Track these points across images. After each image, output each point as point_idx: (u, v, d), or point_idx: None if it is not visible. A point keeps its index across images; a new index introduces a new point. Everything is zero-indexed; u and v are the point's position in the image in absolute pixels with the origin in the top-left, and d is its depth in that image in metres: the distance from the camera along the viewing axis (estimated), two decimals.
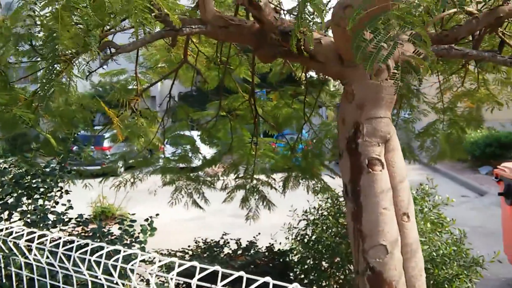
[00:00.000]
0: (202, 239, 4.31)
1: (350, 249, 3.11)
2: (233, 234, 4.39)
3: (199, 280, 1.18)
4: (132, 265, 1.30)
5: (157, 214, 2.96)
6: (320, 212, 3.51)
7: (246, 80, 4.49)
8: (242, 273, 1.19)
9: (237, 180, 4.65)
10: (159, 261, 1.33)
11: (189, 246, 4.16)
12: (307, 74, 4.02)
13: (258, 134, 4.54)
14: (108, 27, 2.76)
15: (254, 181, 4.69)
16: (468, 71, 4.20)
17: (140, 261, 1.43)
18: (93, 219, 4.24)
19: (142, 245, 2.59)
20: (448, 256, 2.99)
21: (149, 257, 1.47)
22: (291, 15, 3.23)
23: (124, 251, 1.38)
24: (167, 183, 4.60)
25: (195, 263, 1.25)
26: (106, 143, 11.51)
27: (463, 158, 4.39)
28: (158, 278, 3.95)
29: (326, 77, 4.41)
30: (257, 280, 1.16)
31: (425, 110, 4.29)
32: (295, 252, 3.43)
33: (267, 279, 1.15)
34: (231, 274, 1.19)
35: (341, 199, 3.80)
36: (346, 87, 2.68)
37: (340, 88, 4.58)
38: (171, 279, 1.23)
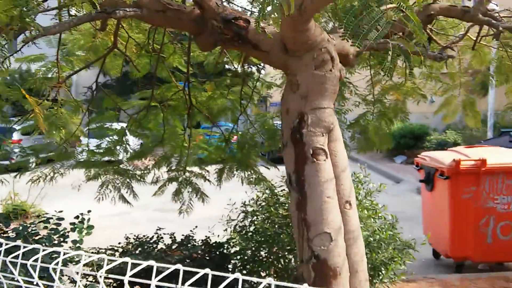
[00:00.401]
0: (133, 235, 4.11)
1: (289, 239, 3.14)
2: (163, 229, 4.24)
3: (133, 277, 1.11)
4: (55, 264, 1.20)
5: (89, 211, 2.76)
6: (258, 203, 3.50)
7: (179, 69, 4.34)
8: (179, 266, 1.14)
9: (169, 173, 4.50)
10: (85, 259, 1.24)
11: (119, 243, 3.95)
12: (244, 65, 3.97)
13: (192, 126, 4.42)
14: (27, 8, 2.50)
15: (187, 174, 4.58)
16: (396, 65, 4.40)
17: (71, 261, 1.31)
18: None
19: (78, 244, 2.40)
20: (384, 241, 3.14)
21: (75, 256, 1.36)
22: (230, 3, 3.17)
23: (45, 250, 1.26)
24: (91, 177, 4.34)
25: (127, 259, 1.17)
26: (15, 136, 10.64)
27: (390, 148, 4.59)
28: (86, 279, 3.73)
29: (261, 68, 4.42)
30: (195, 273, 1.11)
31: (356, 101, 4.44)
32: (233, 243, 3.39)
33: (207, 270, 1.11)
34: (167, 269, 1.13)
35: (279, 189, 3.83)
36: (290, 77, 2.68)
37: (276, 80, 4.62)
38: (100, 277, 1.14)
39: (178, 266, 1.13)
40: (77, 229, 2.38)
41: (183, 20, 2.83)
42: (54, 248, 1.36)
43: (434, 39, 4.08)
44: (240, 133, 4.53)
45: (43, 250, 1.28)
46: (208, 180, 4.49)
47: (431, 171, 5.43)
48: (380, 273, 3.09)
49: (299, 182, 2.58)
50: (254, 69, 4.11)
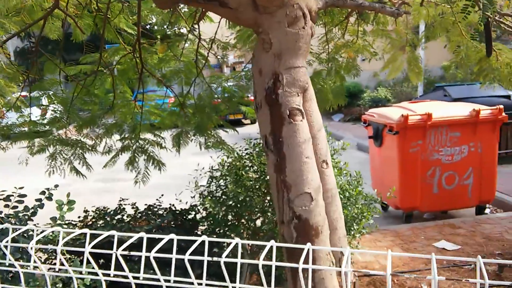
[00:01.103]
0: (93, 207, 3.90)
1: (261, 201, 3.11)
2: (105, 201, 4.08)
3: (95, 248, 1.07)
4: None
5: (56, 185, 2.54)
6: (227, 167, 3.41)
7: (126, 31, 4.04)
8: (142, 234, 1.09)
9: (123, 141, 4.28)
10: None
11: (78, 217, 3.73)
12: (199, 24, 3.77)
13: (143, 90, 4.18)
14: None
15: (141, 142, 4.38)
16: (349, 23, 4.41)
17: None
18: None
19: (59, 221, 2.20)
20: (354, 197, 3.21)
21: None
22: None
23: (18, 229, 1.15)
24: (36, 151, 4.02)
25: (85, 230, 1.10)
26: None
27: (343, 104, 4.64)
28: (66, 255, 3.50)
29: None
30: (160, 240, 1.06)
31: (310, 60, 4.41)
32: (202, 209, 3.31)
33: (172, 235, 1.08)
34: (131, 237, 1.08)
35: (243, 152, 3.76)
36: (262, 36, 2.56)
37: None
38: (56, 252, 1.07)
39: (142, 234, 1.08)
40: (57, 205, 2.18)
41: None
42: (29, 226, 1.24)
43: None
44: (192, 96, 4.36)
45: (15, 230, 1.17)
46: (165, 147, 4.33)
47: (380, 127, 5.61)
48: (351, 228, 3.18)
49: (276, 144, 2.52)
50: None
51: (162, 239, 1.07)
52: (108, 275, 1.08)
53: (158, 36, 3.99)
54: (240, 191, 3.06)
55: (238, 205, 3.13)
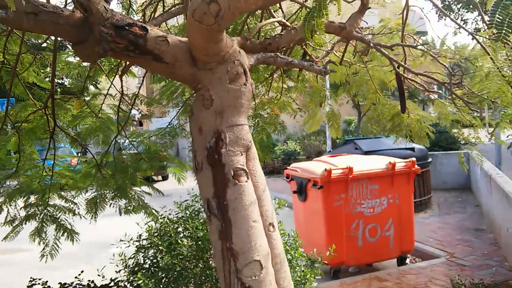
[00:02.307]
0: None
1: (201, 272, 2.80)
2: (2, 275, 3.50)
3: None
4: None
5: None
6: (158, 234, 3.07)
7: (38, 85, 3.65)
8: None
9: (28, 209, 3.76)
10: None
11: None
12: (122, 79, 3.51)
13: (55, 150, 3.75)
14: None
15: (50, 209, 3.89)
16: (274, 80, 4.45)
17: None
18: None
19: None
20: (296, 259, 3.04)
21: None
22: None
23: None
24: None
25: None
26: None
27: (270, 160, 4.58)
28: None
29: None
30: None
31: None
32: (129, 285, 2.90)
33: None
34: None
35: (171, 216, 3.45)
36: (201, 92, 2.38)
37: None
38: None
39: None
40: None
41: (60, 25, 2.32)
42: None
43: (310, 54, 4.22)
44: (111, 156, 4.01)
45: None
46: (78, 214, 3.88)
47: (303, 181, 5.62)
48: None
49: (221, 208, 2.31)
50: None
51: None
52: None
53: (75, 91, 3.65)
54: (176, 261, 2.74)
55: (172, 278, 2.79)
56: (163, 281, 2.79)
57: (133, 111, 4.16)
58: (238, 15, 2.75)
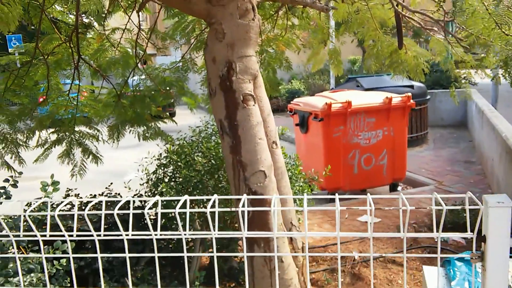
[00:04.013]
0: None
1: (214, 184, 3.27)
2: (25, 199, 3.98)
3: None
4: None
5: (20, 173, 2.50)
6: (177, 153, 3.51)
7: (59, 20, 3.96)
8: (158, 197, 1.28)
9: (58, 134, 4.19)
10: None
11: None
12: (139, 14, 3.80)
13: (79, 80, 4.12)
14: None
15: (76, 134, 4.32)
16: (279, 17, 4.70)
17: None
18: None
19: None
20: (296, 176, 3.49)
21: None
22: None
23: None
24: None
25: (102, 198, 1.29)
26: None
27: (278, 94, 4.94)
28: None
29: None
30: None
31: None
32: (151, 195, 3.38)
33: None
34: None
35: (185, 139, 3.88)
36: (215, 26, 2.72)
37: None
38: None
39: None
40: (42, 186, 2.16)
41: None
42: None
43: None
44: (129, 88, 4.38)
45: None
46: (103, 140, 4.30)
47: (305, 115, 6.02)
48: (294, 204, 3.46)
49: (232, 127, 2.71)
50: None
51: None
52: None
53: (95, 25, 3.95)
54: (192, 175, 3.20)
55: (189, 190, 3.26)
56: (182, 191, 3.26)
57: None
58: None
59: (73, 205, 3.80)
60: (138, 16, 3.84)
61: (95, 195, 3.85)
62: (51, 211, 1.29)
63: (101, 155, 4.19)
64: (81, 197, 3.84)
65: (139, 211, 1.29)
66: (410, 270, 4.07)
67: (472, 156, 7.87)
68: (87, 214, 1.24)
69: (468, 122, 10.06)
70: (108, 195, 3.71)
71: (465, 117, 10.31)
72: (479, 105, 7.67)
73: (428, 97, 9.23)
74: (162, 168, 3.58)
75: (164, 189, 3.14)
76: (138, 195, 3.40)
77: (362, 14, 5.23)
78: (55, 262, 2.49)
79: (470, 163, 7.48)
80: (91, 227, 1.27)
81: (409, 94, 6.09)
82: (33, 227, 1.28)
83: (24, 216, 1.26)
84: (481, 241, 1.15)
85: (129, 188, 3.56)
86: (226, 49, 2.70)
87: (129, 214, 1.26)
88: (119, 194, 3.79)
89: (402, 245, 4.73)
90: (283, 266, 2.79)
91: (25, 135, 4.07)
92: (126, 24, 3.96)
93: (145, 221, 3.59)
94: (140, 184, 3.65)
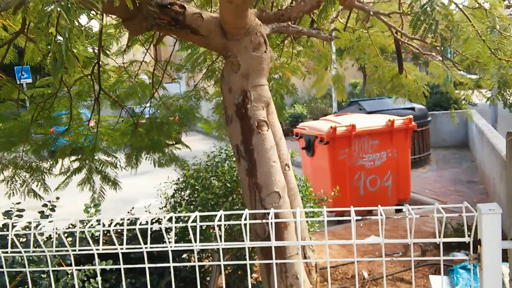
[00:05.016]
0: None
1: (229, 206, 3.46)
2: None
3: None
4: None
5: (57, 198, 2.71)
6: (194, 177, 3.72)
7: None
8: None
9: (80, 162, 4.40)
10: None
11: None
12: (156, 47, 4.07)
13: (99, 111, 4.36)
14: None
15: (95, 162, 4.53)
16: (285, 45, 4.98)
17: None
18: None
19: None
20: (306, 197, 3.68)
21: None
22: None
23: None
24: None
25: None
26: None
27: (284, 120, 5.19)
28: None
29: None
30: None
31: None
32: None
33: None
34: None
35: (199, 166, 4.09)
36: (231, 58, 2.96)
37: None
38: None
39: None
40: (85, 209, 2.35)
41: (110, 4, 2.89)
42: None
43: (316, 22, 4.74)
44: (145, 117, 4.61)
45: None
46: (121, 167, 4.51)
47: (311, 138, 6.24)
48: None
49: (248, 151, 2.93)
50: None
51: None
52: None
53: (115, 59, 4.22)
54: (210, 197, 3.39)
55: (206, 211, 3.44)
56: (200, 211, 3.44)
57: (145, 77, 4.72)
58: None
59: (109, 224, 3.99)
60: (155, 49, 4.11)
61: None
62: (91, 228, 1.48)
63: (119, 181, 4.39)
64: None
65: (158, 226, 1.47)
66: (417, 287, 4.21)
67: (475, 176, 8.04)
68: (113, 230, 1.45)
69: (470, 143, 10.26)
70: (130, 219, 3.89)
71: (466, 137, 10.52)
72: (479, 125, 7.89)
73: (429, 118, 9.46)
74: (180, 192, 3.77)
75: (183, 212, 3.34)
76: (156, 219, 3.60)
77: (363, 41, 5.51)
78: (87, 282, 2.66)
79: (472, 183, 7.64)
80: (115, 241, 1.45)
81: (411, 116, 6.32)
82: (91, 242, 1.48)
83: (82, 232, 1.45)
84: (477, 244, 1.34)
85: (149, 212, 3.76)
86: (241, 79, 2.95)
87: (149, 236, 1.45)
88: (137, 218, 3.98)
89: (410, 264, 4.87)
90: (298, 283, 2.95)
91: (48, 163, 4.28)
92: (144, 57, 4.23)
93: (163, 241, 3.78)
94: (160, 208, 3.84)
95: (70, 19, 1.71)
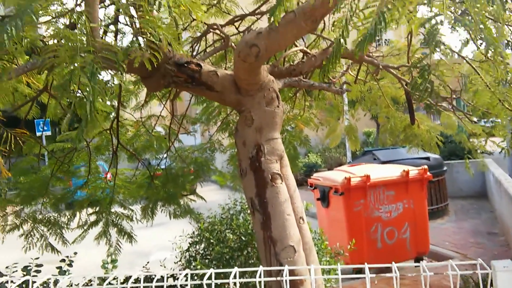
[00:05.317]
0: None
1: (244, 260, 3.43)
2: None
3: None
4: None
5: (75, 253, 2.72)
6: (209, 230, 3.72)
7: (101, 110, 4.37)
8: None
9: (97, 215, 4.45)
10: None
11: None
12: (173, 102, 4.21)
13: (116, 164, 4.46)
14: None
15: (112, 215, 4.57)
16: (297, 98, 5.10)
17: None
18: None
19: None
20: (323, 250, 3.63)
21: None
22: None
23: None
24: (10, 229, 4.10)
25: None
26: None
27: (297, 171, 5.22)
28: None
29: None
30: None
31: None
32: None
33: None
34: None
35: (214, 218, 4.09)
36: (245, 113, 3.05)
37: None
38: None
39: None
40: (103, 264, 2.36)
41: (130, 63, 3.03)
42: None
43: (328, 76, 4.87)
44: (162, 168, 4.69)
45: None
46: (136, 219, 4.53)
47: (326, 189, 6.21)
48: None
49: (262, 204, 2.94)
50: None
51: None
52: None
53: (133, 114, 4.36)
54: (225, 251, 3.38)
55: (220, 266, 3.42)
56: (215, 268, 3.41)
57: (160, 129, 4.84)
58: (274, 54, 3.43)
59: (124, 280, 3.96)
60: (172, 104, 4.25)
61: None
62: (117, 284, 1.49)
63: (135, 234, 4.41)
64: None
65: (173, 283, 1.47)
66: None
67: (495, 227, 7.84)
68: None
69: (488, 192, 10.08)
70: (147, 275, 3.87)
71: (484, 187, 10.36)
72: (496, 175, 7.79)
73: (445, 168, 9.38)
74: (194, 245, 3.76)
75: (198, 266, 3.32)
76: (171, 274, 3.57)
77: (374, 93, 5.61)
78: None
79: (493, 234, 7.45)
80: None
81: (426, 166, 6.29)
82: None
83: None
84: None
85: (164, 266, 3.74)
86: (255, 133, 3.01)
87: None
88: (154, 275, 3.96)
89: None
90: None
91: (66, 217, 4.34)
92: (161, 111, 4.37)
93: None
94: (175, 263, 3.82)
95: (94, 82, 1.79)
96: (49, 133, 13.96)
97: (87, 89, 1.77)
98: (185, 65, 3.00)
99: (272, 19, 2.28)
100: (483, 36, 2.12)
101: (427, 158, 8.61)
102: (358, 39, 2.06)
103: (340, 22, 2.08)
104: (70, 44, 2.14)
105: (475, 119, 4.73)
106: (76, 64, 1.78)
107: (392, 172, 6.25)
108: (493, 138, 4.82)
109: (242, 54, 2.80)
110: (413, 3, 2.08)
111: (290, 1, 2.33)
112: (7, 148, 3.92)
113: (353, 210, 5.88)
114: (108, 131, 4.19)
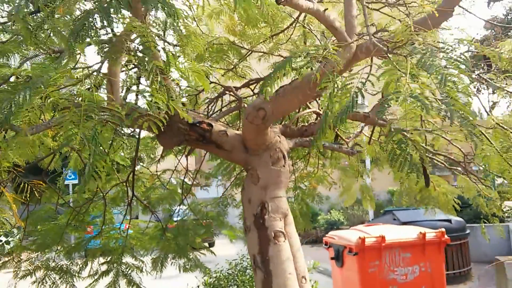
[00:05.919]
0: None
1: None
2: None
3: None
4: None
5: None
6: (214, 285, 3.75)
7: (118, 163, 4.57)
8: None
9: (109, 266, 4.53)
10: None
11: None
12: (187, 157, 4.38)
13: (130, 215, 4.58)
14: None
15: (123, 266, 4.64)
16: (310, 157, 5.19)
17: None
18: None
19: None
20: None
21: None
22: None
23: None
24: (22, 276, 4.21)
25: None
26: None
27: (310, 228, 5.23)
28: None
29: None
30: None
31: None
32: None
33: None
34: None
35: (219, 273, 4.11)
36: (251, 172, 3.17)
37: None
38: None
39: None
40: None
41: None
42: None
43: (341, 137, 4.97)
44: (175, 221, 4.79)
45: None
46: (146, 271, 4.59)
47: (340, 248, 6.14)
48: None
49: (264, 262, 2.98)
50: None
51: None
52: None
53: (149, 168, 4.54)
54: None
55: None
56: None
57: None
58: (280, 117, 3.59)
59: None
60: (187, 159, 4.42)
61: None
62: None
63: (144, 286, 4.44)
64: None
65: None
66: None
67: None
68: None
69: None
70: None
71: (509, 251, 9.94)
72: None
73: (468, 231, 9.11)
74: None
75: None
76: None
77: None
78: None
79: None
80: None
81: (443, 229, 6.16)
82: None
83: None
84: None
85: None
86: (260, 191, 3.11)
87: None
88: None
89: None
90: None
91: (78, 266, 4.43)
92: (176, 166, 4.53)
93: None
94: None
95: (94, 146, 1.96)
96: (75, 181, 14.34)
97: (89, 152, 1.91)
98: (197, 124, 3.18)
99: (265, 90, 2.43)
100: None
101: (449, 221, 8.42)
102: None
103: (326, 97, 2.22)
104: (88, 102, 2.34)
105: (489, 184, 4.69)
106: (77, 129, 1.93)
107: (408, 233, 6.14)
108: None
109: (250, 116, 2.97)
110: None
111: (288, 73, 2.48)
112: (25, 198, 4.12)
113: (368, 271, 5.76)
114: (124, 184, 4.36)
